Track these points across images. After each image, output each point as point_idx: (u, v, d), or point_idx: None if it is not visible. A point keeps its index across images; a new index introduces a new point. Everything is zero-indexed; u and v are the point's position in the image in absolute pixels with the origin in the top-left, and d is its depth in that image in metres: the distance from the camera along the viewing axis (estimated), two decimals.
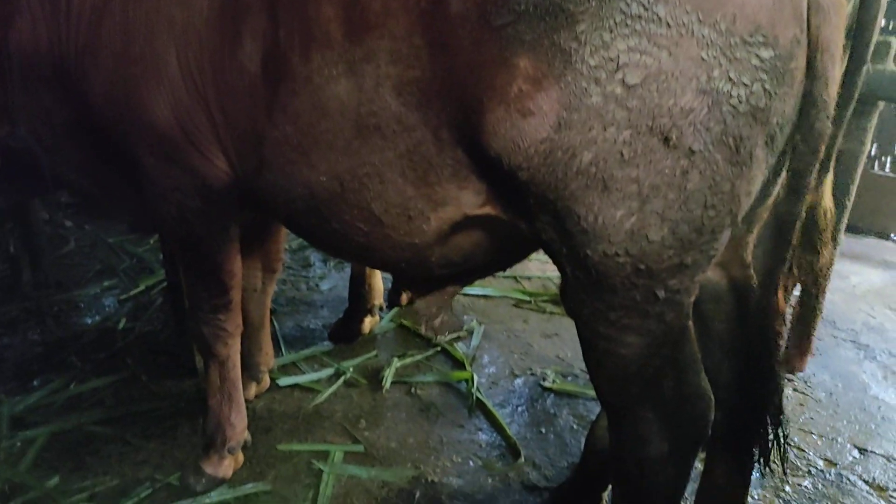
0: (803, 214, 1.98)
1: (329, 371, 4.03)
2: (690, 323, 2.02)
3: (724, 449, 2.47)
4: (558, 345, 4.52)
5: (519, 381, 4.09)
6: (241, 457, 3.21)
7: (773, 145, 1.79)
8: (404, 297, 4.87)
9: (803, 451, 3.55)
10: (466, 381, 3.99)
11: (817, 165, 1.88)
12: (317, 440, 3.45)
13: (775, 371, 2.23)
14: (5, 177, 3.09)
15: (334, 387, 3.87)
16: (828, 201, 2.41)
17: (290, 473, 3.20)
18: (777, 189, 2.02)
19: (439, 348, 4.36)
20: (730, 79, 1.65)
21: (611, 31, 1.65)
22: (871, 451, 3.60)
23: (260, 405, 3.69)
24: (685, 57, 1.63)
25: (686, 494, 2.26)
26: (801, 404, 4.00)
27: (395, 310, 4.79)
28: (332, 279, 5.37)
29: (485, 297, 5.17)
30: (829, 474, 3.39)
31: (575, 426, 3.67)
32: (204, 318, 2.92)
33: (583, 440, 3.05)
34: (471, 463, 3.34)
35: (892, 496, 3.27)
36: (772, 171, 1.89)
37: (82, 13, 2.57)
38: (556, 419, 3.73)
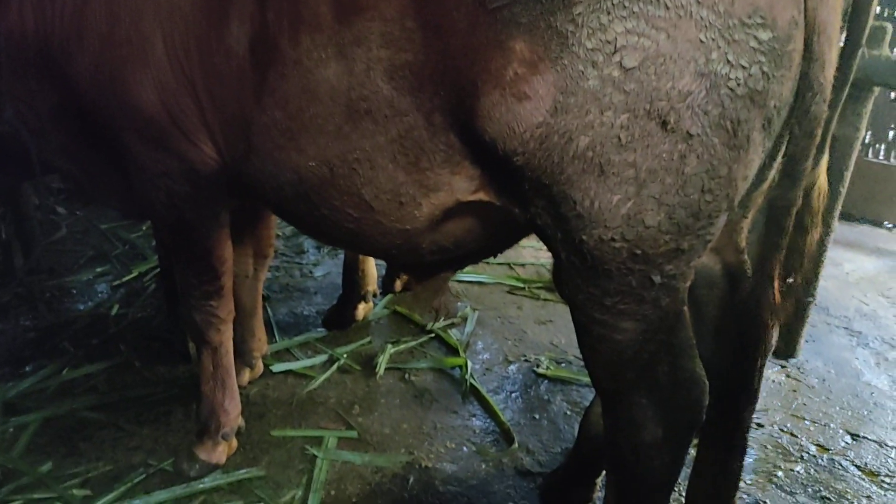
0: (799, 200, 1.97)
1: (323, 357, 4.03)
2: (686, 308, 2.02)
3: (716, 434, 2.47)
4: (552, 331, 4.52)
5: (513, 368, 4.09)
6: (234, 442, 3.20)
7: (770, 129, 1.78)
8: (398, 284, 4.86)
9: (796, 436, 3.57)
10: (460, 367, 3.99)
11: (813, 150, 1.87)
12: (310, 426, 3.45)
13: (757, 363, 2.23)
14: None
15: (328, 373, 3.87)
16: (822, 182, 2.40)
17: (283, 459, 3.20)
18: (773, 174, 2.01)
19: (433, 335, 4.35)
20: (728, 61, 1.63)
21: (608, 14, 1.63)
22: (864, 437, 3.61)
23: (254, 391, 3.68)
24: (683, 39, 1.62)
25: (679, 479, 2.26)
26: (794, 390, 4.01)
27: (389, 296, 4.78)
28: (326, 266, 5.35)
29: (479, 283, 5.16)
30: (822, 459, 3.40)
31: (568, 412, 3.67)
32: (196, 305, 2.91)
33: (576, 426, 3.06)
34: (465, 449, 3.34)
35: (883, 481, 3.28)
36: (768, 155, 1.88)
37: None
38: (550, 405, 3.73)
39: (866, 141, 7.36)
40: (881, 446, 3.55)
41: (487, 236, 2.28)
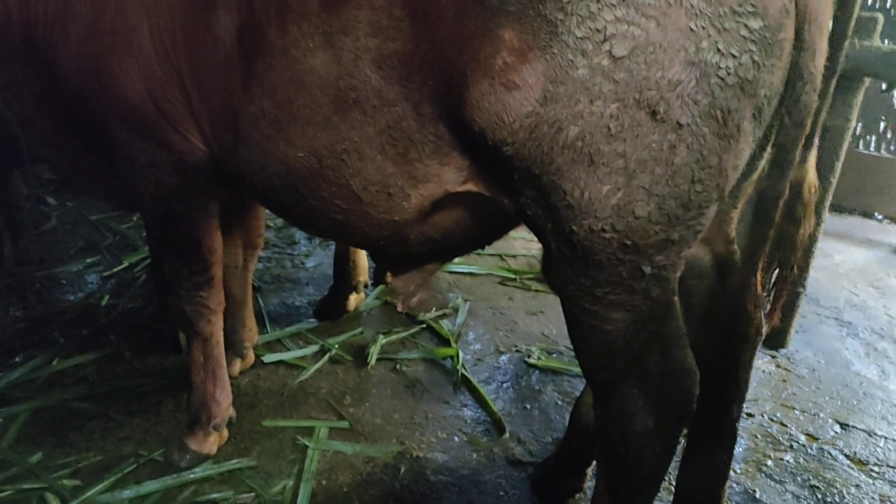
0: (787, 191, 1.96)
1: (314, 348, 4.02)
2: (676, 298, 2.02)
3: (706, 424, 2.47)
4: (543, 322, 4.52)
5: (504, 358, 4.09)
6: (225, 433, 3.20)
7: (760, 118, 1.77)
8: (389, 275, 4.85)
9: (785, 426, 3.58)
10: (452, 357, 3.99)
11: (803, 140, 1.87)
12: (302, 416, 3.44)
13: (743, 354, 2.23)
14: None
15: (319, 363, 3.87)
16: (812, 176, 2.40)
17: (274, 449, 3.19)
18: (763, 164, 2.01)
19: (424, 325, 4.35)
20: (718, 50, 1.62)
21: (598, 1, 1.61)
22: (853, 427, 3.63)
23: (245, 382, 3.68)
24: (673, 28, 1.60)
25: (669, 469, 2.27)
26: (784, 380, 4.03)
27: (381, 287, 4.78)
28: (318, 256, 5.34)
29: (470, 274, 5.16)
30: (811, 449, 3.42)
31: (559, 402, 3.68)
32: (185, 296, 2.89)
33: (567, 416, 3.06)
34: (456, 439, 3.35)
35: (872, 470, 3.30)
36: (758, 144, 1.87)
37: None
38: (541, 395, 3.74)
39: (857, 132, 7.39)
40: (870, 436, 3.57)
41: (477, 227, 2.27)
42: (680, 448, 2.48)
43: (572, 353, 2.22)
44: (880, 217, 7.19)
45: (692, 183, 1.73)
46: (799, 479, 3.20)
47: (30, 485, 2.90)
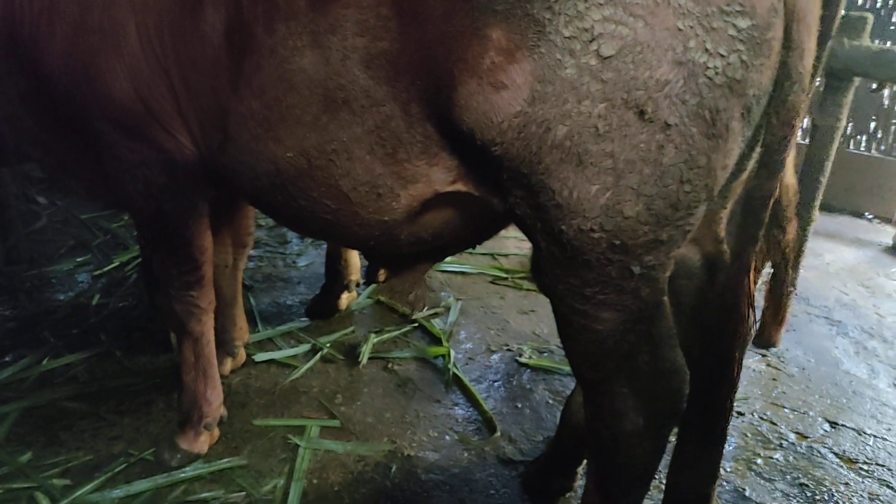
0: (776, 191, 1.97)
1: (306, 347, 4.02)
2: (666, 298, 2.02)
3: (696, 422, 2.48)
4: (534, 321, 4.53)
5: (495, 357, 4.10)
6: (216, 432, 3.20)
7: (749, 118, 1.76)
8: (381, 274, 4.86)
9: (775, 424, 3.59)
10: (443, 356, 4.00)
11: (792, 140, 1.87)
12: (293, 415, 3.44)
13: (735, 353, 2.23)
14: None
15: (311, 362, 3.86)
16: (790, 177, 2.42)
17: (265, 448, 3.19)
18: (752, 163, 2.01)
19: (416, 324, 4.35)
20: (706, 50, 1.62)
21: (585, 1, 1.61)
22: (842, 425, 3.64)
23: (236, 381, 3.68)
24: (661, 27, 1.60)
25: (659, 467, 2.27)
26: (774, 379, 4.04)
27: (373, 286, 4.78)
28: (310, 255, 5.34)
29: (462, 273, 5.17)
30: (801, 447, 3.43)
31: (550, 401, 3.69)
32: (176, 295, 2.89)
33: (558, 415, 3.07)
34: (447, 437, 3.35)
35: (861, 468, 3.32)
36: (747, 144, 1.88)
37: None
38: (532, 394, 3.74)
39: (847, 132, 7.42)
40: (859, 434, 3.58)
41: (466, 227, 2.27)
42: (670, 446, 2.49)
43: (563, 352, 2.21)
44: (870, 216, 7.22)
45: (681, 183, 1.73)
46: (789, 477, 3.21)
47: (20, 484, 2.89)
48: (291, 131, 2.10)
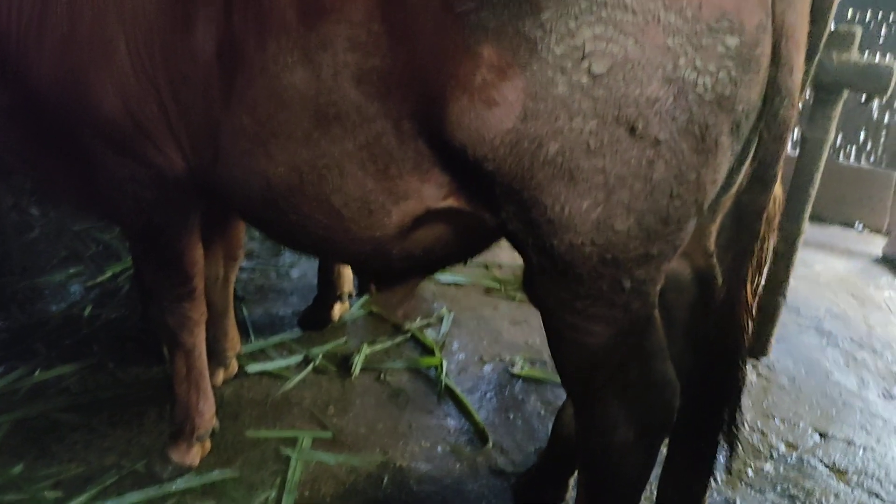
0: (769, 204, 1.99)
1: (298, 358, 4.02)
2: (656, 312, 2.03)
3: (686, 435, 2.49)
4: (527, 331, 4.55)
5: (488, 368, 4.11)
6: (208, 444, 3.19)
7: (738, 133, 1.78)
8: (374, 285, 4.87)
9: (766, 435, 3.61)
10: (436, 367, 4.00)
11: (783, 154, 1.89)
12: (285, 427, 3.44)
13: (740, 362, 2.24)
14: None
15: (303, 373, 3.87)
16: (777, 188, 2.45)
17: (257, 460, 3.19)
18: (741, 178, 2.03)
19: (409, 335, 4.36)
20: (696, 67, 1.64)
21: (576, 19, 1.62)
22: (832, 436, 3.67)
23: (228, 392, 3.67)
24: (651, 45, 1.62)
25: (650, 479, 2.28)
26: (765, 389, 4.06)
27: (365, 297, 4.79)
28: (302, 267, 5.34)
29: (455, 284, 5.18)
30: (791, 458, 3.45)
31: (542, 412, 3.70)
32: (168, 308, 2.88)
33: (550, 426, 3.08)
34: (439, 448, 3.36)
35: (851, 479, 3.34)
36: (737, 159, 1.89)
37: None
38: (524, 405, 3.75)
39: (838, 143, 7.48)
40: (849, 445, 3.60)
41: (458, 242, 2.26)
42: (661, 457, 2.50)
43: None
44: (860, 227, 7.27)
45: (671, 198, 1.74)
46: (779, 488, 3.23)
47: (11, 496, 2.88)
48: (283, 147, 2.09)
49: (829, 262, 6.28)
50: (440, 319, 4.60)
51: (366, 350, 4.10)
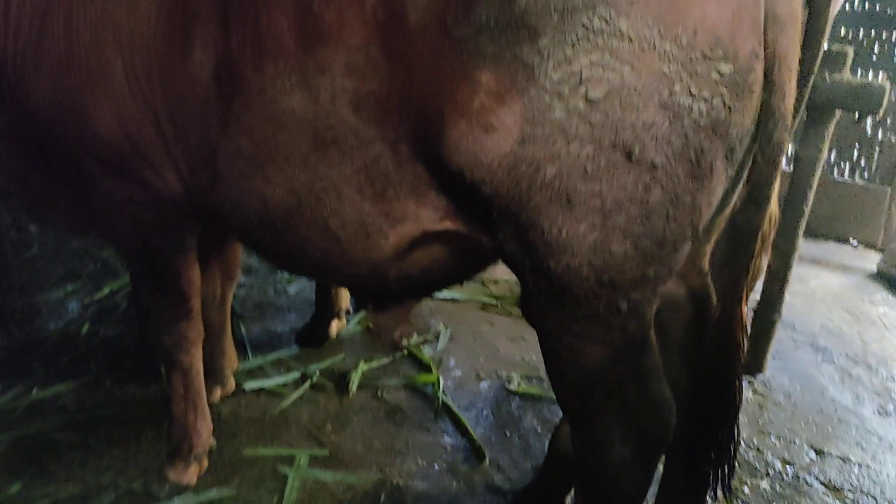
0: (764, 224, 2.01)
1: (295, 375, 4.02)
2: (652, 332, 2.05)
3: (682, 453, 2.50)
4: (524, 348, 4.56)
5: (484, 384, 4.11)
6: (205, 462, 3.19)
7: (732, 157, 1.81)
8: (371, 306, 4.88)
9: (762, 452, 3.62)
10: (432, 384, 4.01)
11: (777, 176, 1.92)
12: (282, 444, 3.44)
13: (736, 380, 2.26)
14: None
15: (300, 390, 3.87)
16: (774, 207, 2.47)
17: (254, 478, 3.19)
18: (735, 199, 2.05)
19: (406, 352, 4.37)
20: (690, 93, 1.67)
21: (573, 46, 1.65)
22: (828, 453, 3.68)
23: (226, 410, 3.68)
24: (647, 72, 1.65)
25: (647, 497, 2.30)
26: (761, 406, 4.07)
27: (362, 313, 4.79)
28: (300, 283, 5.35)
29: (451, 300, 5.19)
30: (787, 475, 3.46)
31: (539, 429, 3.70)
32: (165, 328, 2.88)
33: (547, 443, 3.09)
34: (436, 466, 3.36)
35: (847, 497, 3.35)
36: (731, 181, 1.92)
37: (22, 16, 2.46)
38: (521, 422, 3.76)
39: (832, 160, 7.53)
40: (845, 462, 3.62)
41: (454, 264, 2.28)
42: (657, 475, 2.52)
43: None
44: (855, 243, 7.31)
45: (667, 221, 1.77)
46: None
47: None
48: (281, 170, 2.11)
49: (825, 278, 6.31)
50: (437, 336, 4.61)
51: (363, 367, 4.11)
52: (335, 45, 1.92)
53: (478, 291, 5.34)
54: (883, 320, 5.54)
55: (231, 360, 3.78)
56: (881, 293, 6.13)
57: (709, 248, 2.31)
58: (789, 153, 6.30)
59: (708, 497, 2.63)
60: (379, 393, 3.93)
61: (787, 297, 4.35)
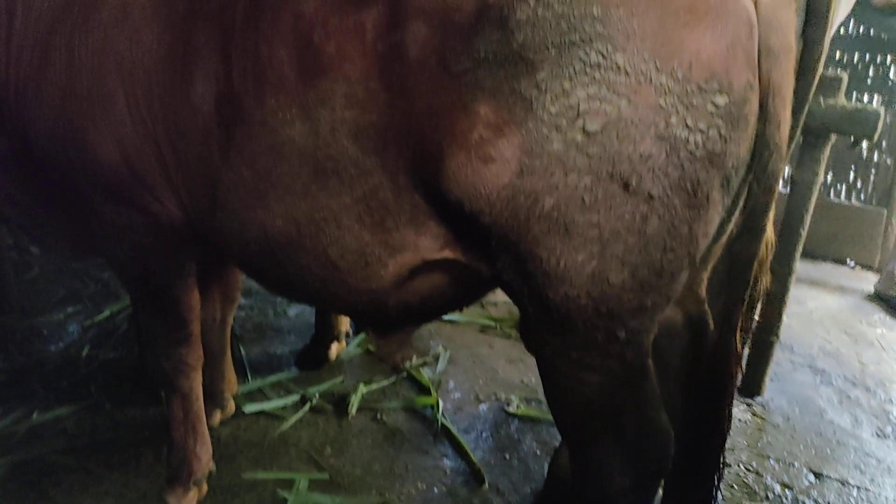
0: (760, 252, 2.04)
1: (295, 397, 4.03)
2: (650, 360, 2.07)
3: (681, 479, 2.51)
4: (523, 370, 4.57)
5: (483, 407, 4.12)
6: (205, 487, 3.19)
7: (728, 187, 1.83)
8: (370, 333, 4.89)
9: (761, 475, 3.62)
10: (432, 406, 4.01)
11: (773, 205, 1.95)
12: (282, 468, 3.44)
13: (725, 409, 2.27)
14: None
15: (300, 413, 3.87)
16: (769, 233, 2.50)
17: (254, 502, 3.18)
18: (731, 227, 2.08)
19: (405, 374, 4.38)
20: (687, 125, 1.70)
21: (570, 80, 1.69)
22: (827, 476, 3.68)
23: (225, 433, 3.68)
24: (644, 104, 1.68)
25: None
26: (760, 429, 4.08)
27: (362, 336, 4.81)
28: (300, 305, 5.35)
29: (451, 322, 5.20)
30: (786, 499, 3.46)
31: (538, 452, 3.70)
32: (164, 353, 2.89)
33: (546, 466, 3.10)
34: (435, 490, 3.36)
35: None
36: (727, 211, 1.94)
37: (24, 45, 2.50)
38: (520, 445, 3.76)
39: (828, 182, 7.57)
40: (843, 485, 3.62)
41: (453, 292, 2.30)
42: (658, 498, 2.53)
43: None
44: (852, 264, 7.33)
45: (664, 251, 1.79)
46: None
47: None
48: (281, 199, 2.14)
49: (822, 299, 6.33)
50: (436, 358, 4.62)
51: (362, 389, 4.11)
52: (335, 78, 1.95)
53: (477, 314, 5.35)
54: (880, 341, 5.55)
55: (231, 384, 3.78)
56: (878, 314, 6.15)
57: (706, 275, 2.34)
58: (785, 176, 6.34)
59: None
60: (378, 415, 3.93)
61: (785, 318, 4.36)
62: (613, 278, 1.80)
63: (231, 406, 3.80)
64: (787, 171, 5.83)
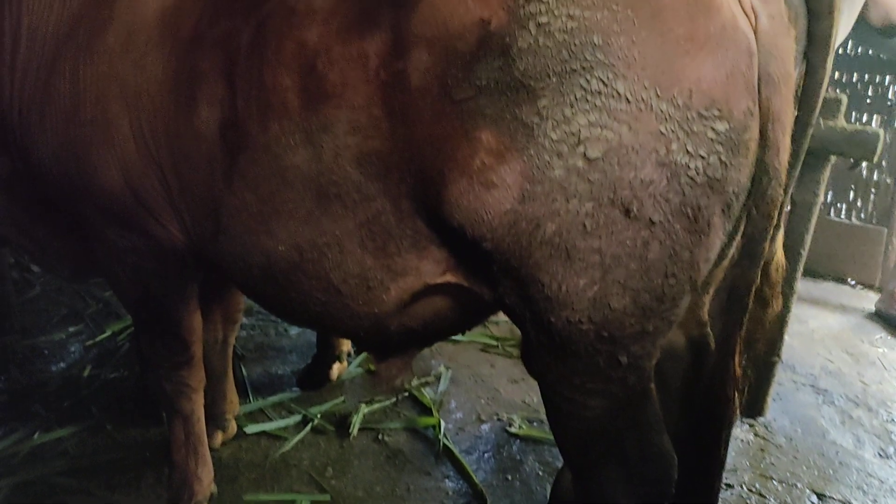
0: (758, 278, 2.04)
1: (297, 418, 4.02)
2: (652, 384, 2.07)
3: (683, 500, 2.50)
4: (525, 390, 4.56)
5: (485, 427, 4.11)
6: None
7: (729, 213, 1.85)
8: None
9: (764, 497, 3.61)
10: (433, 426, 4.00)
11: (771, 230, 1.95)
12: (283, 489, 3.43)
13: (723, 433, 2.27)
14: None
15: (301, 434, 3.86)
16: (780, 256, 2.50)
17: None
18: (732, 251, 2.08)
19: (406, 394, 4.37)
20: (687, 151, 1.71)
21: (572, 107, 1.70)
22: (830, 497, 3.66)
23: (227, 454, 3.67)
24: (644, 131, 1.69)
25: None
26: (762, 449, 4.06)
27: (363, 355, 4.79)
28: None
29: (452, 341, 5.19)
30: None
31: (541, 473, 3.70)
32: (166, 375, 2.90)
33: (548, 487, 3.09)
34: None
35: None
36: (728, 235, 1.95)
37: (28, 70, 2.52)
38: (522, 466, 3.75)
39: (829, 200, 7.59)
40: None
41: (455, 316, 2.30)
42: None
43: None
44: (853, 283, 7.33)
45: (665, 277, 1.80)
46: None
47: None
48: (284, 225, 2.15)
49: (824, 318, 6.32)
50: (438, 378, 4.61)
51: (364, 409, 4.10)
52: (338, 105, 1.97)
53: (479, 333, 5.34)
54: (882, 361, 5.54)
55: (232, 404, 3.78)
56: (880, 333, 6.13)
57: (708, 300, 2.34)
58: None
59: None
60: (380, 436, 3.93)
61: (787, 337, 4.36)
62: (615, 303, 1.81)
63: (233, 427, 3.79)
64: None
